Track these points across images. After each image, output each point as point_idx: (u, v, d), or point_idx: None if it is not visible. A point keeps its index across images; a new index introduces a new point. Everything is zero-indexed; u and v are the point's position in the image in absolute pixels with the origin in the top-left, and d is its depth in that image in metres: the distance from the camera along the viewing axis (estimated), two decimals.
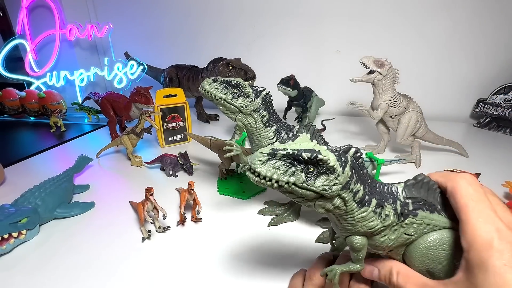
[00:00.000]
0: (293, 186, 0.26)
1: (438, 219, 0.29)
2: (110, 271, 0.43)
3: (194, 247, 0.48)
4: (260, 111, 0.49)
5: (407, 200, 0.29)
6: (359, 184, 0.27)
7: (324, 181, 0.25)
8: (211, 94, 0.49)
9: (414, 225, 0.29)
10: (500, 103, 1.02)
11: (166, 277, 0.42)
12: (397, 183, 0.31)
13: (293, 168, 0.25)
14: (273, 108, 0.51)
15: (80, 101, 1.22)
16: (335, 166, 0.25)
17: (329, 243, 0.46)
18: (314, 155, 0.25)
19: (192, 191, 0.52)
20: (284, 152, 0.25)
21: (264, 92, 0.49)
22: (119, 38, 1.36)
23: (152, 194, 0.49)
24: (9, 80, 1.38)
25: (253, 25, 1.23)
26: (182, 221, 0.53)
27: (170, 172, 0.71)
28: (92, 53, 1.44)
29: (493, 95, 1.03)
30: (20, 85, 1.38)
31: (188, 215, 0.54)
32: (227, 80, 0.49)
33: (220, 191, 0.64)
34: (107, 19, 1.33)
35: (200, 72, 1.03)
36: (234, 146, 0.50)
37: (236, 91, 0.48)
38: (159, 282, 0.41)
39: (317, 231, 0.50)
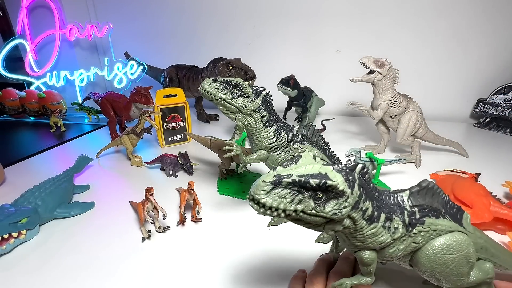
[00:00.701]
0: (301, 213, 0.24)
1: (444, 224, 0.29)
2: (110, 271, 0.43)
3: (194, 247, 0.48)
4: (260, 111, 0.49)
5: (413, 209, 0.29)
6: (367, 202, 0.26)
7: (334, 206, 0.24)
8: (211, 94, 0.49)
9: (422, 233, 0.29)
10: (500, 103, 1.02)
11: (166, 277, 0.42)
12: (402, 192, 0.30)
13: (300, 195, 0.24)
14: (273, 108, 0.51)
15: (80, 101, 1.22)
16: (344, 190, 0.24)
17: (328, 243, 0.47)
18: (323, 181, 0.23)
19: (192, 191, 0.52)
20: (290, 180, 0.24)
21: (264, 92, 0.49)
22: (119, 38, 1.36)
23: (152, 194, 0.49)
24: (9, 80, 1.38)
25: (253, 25, 1.23)
26: (182, 221, 0.53)
27: (170, 172, 0.71)
28: (92, 53, 1.44)
29: (493, 95, 1.03)
30: (20, 85, 1.38)
31: (188, 215, 0.54)
32: (227, 80, 0.49)
33: (220, 191, 0.64)
34: (107, 19, 1.33)
35: (200, 72, 1.03)
36: (234, 146, 0.50)
37: (236, 91, 0.48)
38: (159, 282, 0.41)
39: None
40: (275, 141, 0.49)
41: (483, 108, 1.06)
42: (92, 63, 1.39)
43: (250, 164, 0.68)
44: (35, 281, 0.41)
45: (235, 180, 0.68)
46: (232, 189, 0.64)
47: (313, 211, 0.24)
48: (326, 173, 0.24)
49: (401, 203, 0.29)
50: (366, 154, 0.63)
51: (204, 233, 0.51)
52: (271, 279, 0.41)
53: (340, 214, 0.24)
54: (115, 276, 0.42)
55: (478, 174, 0.64)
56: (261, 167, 0.71)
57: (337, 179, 0.24)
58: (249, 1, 1.19)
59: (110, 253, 0.46)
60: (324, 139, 0.52)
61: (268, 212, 0.24)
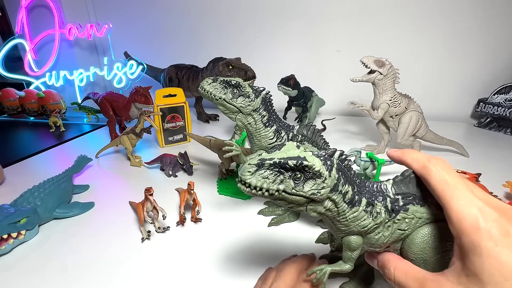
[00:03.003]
0: (283, 193, 0.26)
1: (430, 212, 0.30)
2: (110, 272, 0.43)
3: (194, 247, 0.47)
4: (260, 111, 0.49)
5: (396, 196, 0.30)
6: (347, 185, 0.28)
7: (312, 186, 0.26)
8: (210, 94, 0.49)
9: (407, 220, 0.29)
10: (501, 103, 1.01)
11: (165, 278, 0.41)
12: (386, 181, 0.31)
13: (281, 176, 0.26)
14: (273, 108, 0.51)
15: (79, 101, 1.22)
16: (320, 171, 0.26)
17: (329, 244, 0.46)
18: (300, 161, 0.26)
19: (192, 191, 0.52)
20: (271, 162, 0.26)
21: (264, 92, 0.49)
22: (118, 37, 1.36)
23: (151, 194, 0.49)
24: (9, 80, 1.38)
25: (253, 24, 1.22)
26: (181, 222, 0.53)
27: (170, 172, 0.71)
28: (92, 53, 1.44)
29: (494, 95, 1.03)
30: (19, 85, 1.38)
31: (188, 215, 0.54)
32: (226, 80, 0.49)
33: (220, 191, 0.63)
34: (107, 19, 1.32)
35: (200, 72, 1.03)
36: (234, 146, 0.50)
37: (235, 91, 0.48)
38: (159, 283, 0.41)
39: (317, 231, 0.50)
40: (275, 141, 0.49)
41: (484, 108, 1.06)
42: (92, 63, 1.39)
43: None
44: (35, 281, 0.41)
45: (235, 180, 0.67)
46: (232, 189, 0.64)
47: (293, 191, 0.26)
48: (304, 156, 0.26)
49: (384, 190, 0.30)
50: (367, 154, 0.63)
51: (204, 233, 0.51)
52: None
53: (319, 194, 0.26)
54: (115, 277, 0.42)
55: (479, 174, 0.63)
56: None
57: (314, 161, 0.26)
58: (250, 1, 1.19)
59: (109, 253, 0.46)
60: (324, 139, 0.52)
61: (254, 191, 0.26)
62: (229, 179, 0.68)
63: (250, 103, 0.48)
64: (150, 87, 0.86)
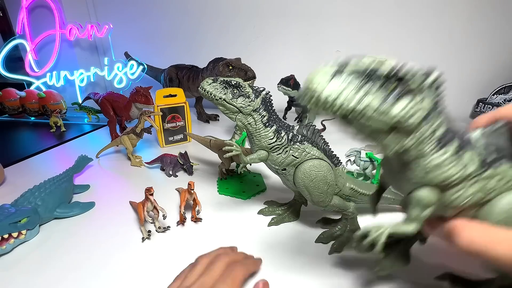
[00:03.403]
0: (366, 108, 0.21)
1: None
2: (110, 271, 0.43)
3: (194, 247, 0.48)
4: (260, 111, 0.49)
5: (488, 149, 0.24)
6: (439, 119, 0.22)
7: (408, 102, 0.20)
8: (211, 94, 0.49)
9: (495, 179, 0.23)
10: (500, 103, 1.01)
11: (166, 277, 0.42)
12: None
13: (367, 85, 0.21)
14: (273, 108, 0.51)
15: (80, 101, 1.22)
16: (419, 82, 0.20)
17: (329, 243, 0.46)
18: (399, 66, 0.20)
19: (192, 191, 0.52)
20: (357, 67, 0.21)
21: (264, 92, 0.49)
22: (119, 38, 1.36)
23: (152, 194, 0.49)
24: (9, 80, 1.38)
25: (253, 25, 1.23)
26: (182, 221, 0.53)
27: (170, 172, 0.71)
28: (92, 53, 1.44)
29: (493, 95, 1.03)
30: (20, 85, 1.38)
31: (188, 215, 0.54)
32: (227, 80, 0.49)
33: (220, 191, 0.64)
34: (107, 19, 1.33)
35: (200, 72, 1.03)
36: (234, 146, 0.50)
37: (236, 91, 0.48)
38: (159, 282, 0.41)
39: (317, 231, 0.50)
40: (275, 141, 0.49)
41: (483, 108, 1.06)
42: (92, 63, 1.39)
43: (250, 164, 0.68)
44: (35, 281, 0.41)
45: (235, 180, 0.68)
46: (232, 189, 0.64)
47: (380, 108, 0.20)
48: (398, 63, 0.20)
49: (471, 140, 0.24)
50: (366, 154, 0.63)
51: (204, 233, 0.51)
52: (271, 280, 0.41)
53: (412, 118, 0.20)
54: (115, 276, 0.42)
55: None
56: (261, 167, 0.71)
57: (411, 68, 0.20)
58: (250, 1, 1.19)
59: (110, 253, 0.46)
60: (324, 139, 0.52)
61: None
62: (229, 179, 0.68)
63: (250, 103, 0.48)
64: (150, 87, 0.86)
